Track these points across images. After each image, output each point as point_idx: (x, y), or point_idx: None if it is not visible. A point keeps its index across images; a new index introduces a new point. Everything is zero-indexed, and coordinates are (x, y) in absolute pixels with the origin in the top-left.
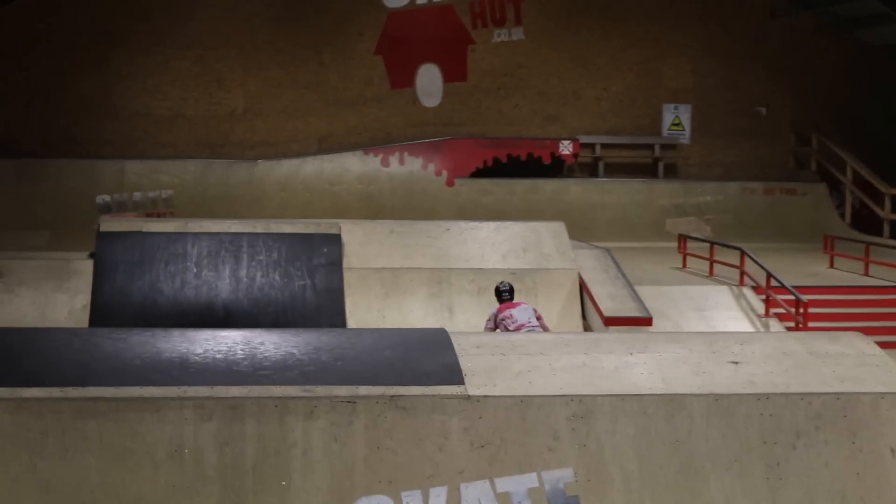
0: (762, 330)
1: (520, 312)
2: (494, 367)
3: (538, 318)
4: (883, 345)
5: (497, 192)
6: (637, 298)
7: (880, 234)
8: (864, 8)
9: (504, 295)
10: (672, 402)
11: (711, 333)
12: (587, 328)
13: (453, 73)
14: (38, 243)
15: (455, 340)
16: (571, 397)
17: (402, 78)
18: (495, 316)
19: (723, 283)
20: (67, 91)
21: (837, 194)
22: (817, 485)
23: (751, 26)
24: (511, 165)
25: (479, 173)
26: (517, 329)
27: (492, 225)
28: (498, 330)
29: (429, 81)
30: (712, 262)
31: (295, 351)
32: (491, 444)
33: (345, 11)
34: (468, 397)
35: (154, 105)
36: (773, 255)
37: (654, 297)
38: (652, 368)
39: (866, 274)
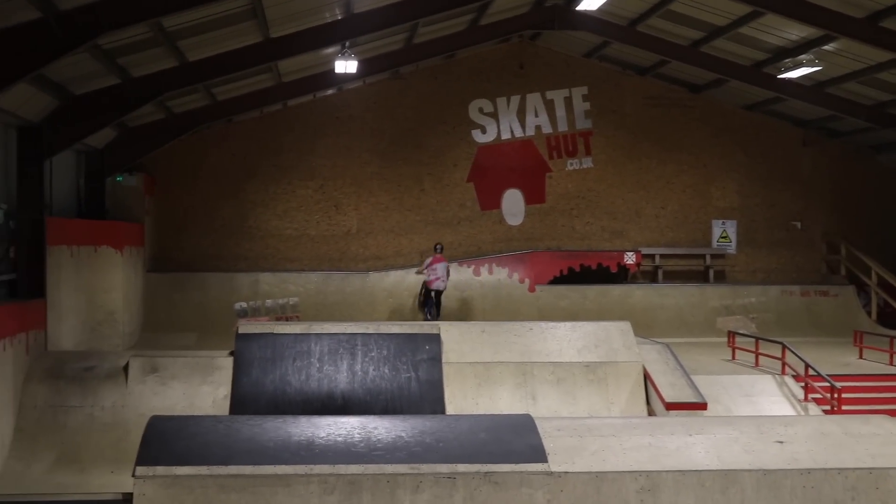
0: (802, 413)
1: (440, 268)
2: (573, 447)
3: (448, 273)
4: None
5: (572, 297)
6: (693, 386)
7: None
8: (882, 137)
9: (437, 249)
10: (726, 477)
11: (759, 417)
12: (651, 412)
13: (534, 196)
14: (187, 343)
15: (539, 424)
16: (640, 473)
17: (490, 201)
18: (429, 262)
19: (767, 372)
20: (212, 216)
21: (864, 295)
22: None
23: (786, 154)
24: (583, 274)
25: (557, 280)
26: (434, 279)
27: (568, 325)
28: (426, 271)
29: (513, 204)
30: (757, 355)
31: (403, 434)
32: None
33: (441, 146)
34: (551, 473)
35: (283, 227)
36: (810, 348)
37: (708, 385)
38: (708, 447)
39: (891, 363)
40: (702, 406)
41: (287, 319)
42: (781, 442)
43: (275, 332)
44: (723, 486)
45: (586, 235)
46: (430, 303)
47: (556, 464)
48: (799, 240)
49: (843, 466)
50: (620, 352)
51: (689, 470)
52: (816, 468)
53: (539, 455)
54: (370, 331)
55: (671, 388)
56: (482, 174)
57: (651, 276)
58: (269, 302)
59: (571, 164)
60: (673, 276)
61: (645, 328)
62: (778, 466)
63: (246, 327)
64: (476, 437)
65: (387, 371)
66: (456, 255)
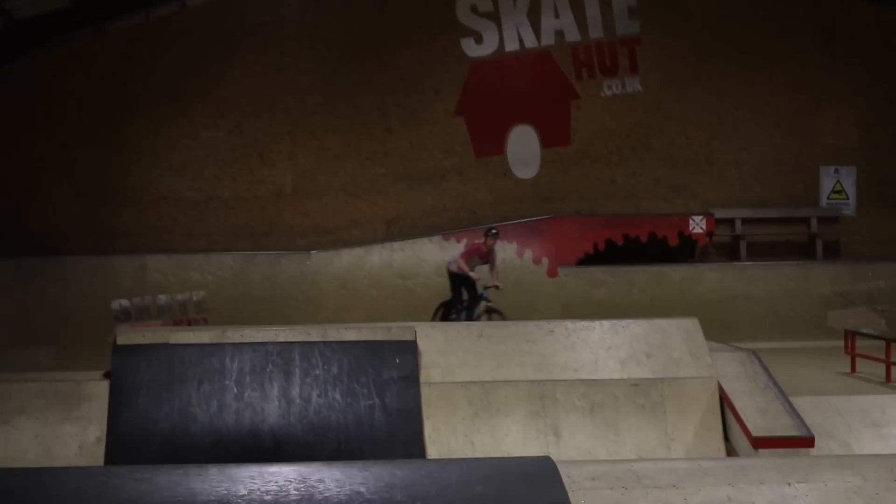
0: None
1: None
2: None
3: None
4: None
5: (612, 283)
6: (794, 413)
7: None
8: None
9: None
10: None
11: (892, 456)
12: (731, 452)
13: (553, 135)
14: (41, 361)
15: (564, 472)
16: None
17: (490, 144)
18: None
19: None
20: (74, 172)
21: None
22: None
23: None
24: (629, 249)
25: (589, 260)
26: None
27: (606, 324)
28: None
29: (523, 147)
30: (889, 365)
31: (363, 489)
32: None
33: (416, 64)
34: None
35: (182, 187)
36: None
37: (816, 411)
38: (815, 502)
39: None
40: (807, 442)
41: (190, 323)
42: None
43: (171, 342)
44: None
45: (633, 192)
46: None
47: None
48: None
49: None
50: (685, 363)
51: None
52: None
53: None
54: (313, 338)
55: (761, 415)
56: (477, 104)
57: (730, 252)
58: (162, 298)
59: (610, 88)
60: (762, 251)
61: (721, 328)
62: None
63: (128, 336)
64: (470, 493)
65: (338, 397)
66: (439, 223)
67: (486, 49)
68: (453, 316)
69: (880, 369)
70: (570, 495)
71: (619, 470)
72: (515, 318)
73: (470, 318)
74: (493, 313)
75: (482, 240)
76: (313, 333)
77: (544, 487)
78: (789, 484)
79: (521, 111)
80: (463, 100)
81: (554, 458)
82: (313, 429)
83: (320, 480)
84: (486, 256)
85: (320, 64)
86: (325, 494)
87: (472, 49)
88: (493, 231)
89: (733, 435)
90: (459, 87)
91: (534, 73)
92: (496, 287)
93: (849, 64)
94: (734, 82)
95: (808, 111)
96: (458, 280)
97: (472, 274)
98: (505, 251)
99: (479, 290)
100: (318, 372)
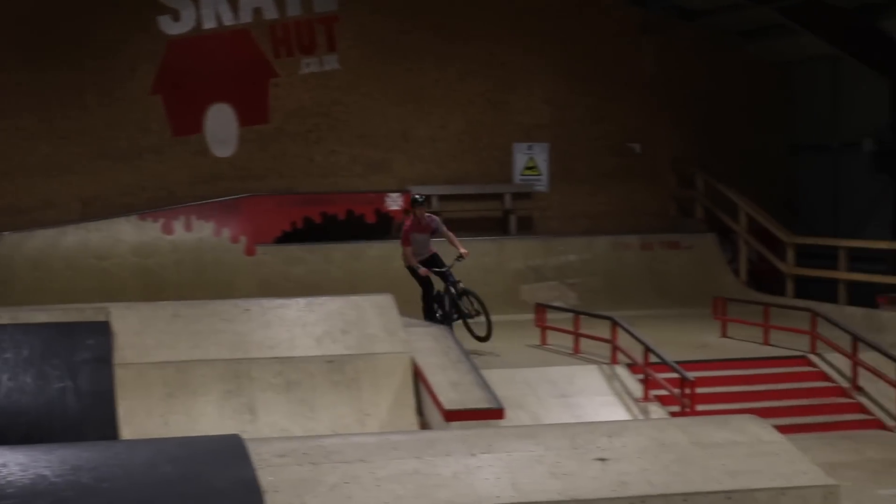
0: (640, 417)
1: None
2: (303, 481)
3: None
4: (785, 429)
5: (310, 261)
6: (485, 386)
7: (783, 293)
8: (757, 19)
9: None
10: None
11: (573, 425)
12: (424, 425)
13: (251, 114)
14: None
15: (253, 449)
16: None
17: (188, 122)
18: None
19: (591, 361)
20: None
21: (730, 246)
22: None
23: (619, 45)
24: (327, 226)
25: (287, 238)
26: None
27: (302, 302)
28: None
29: (221, 125)
30: (578, 336)
31: (47, 472)
32: None
33: (112, 41)
34: None
35: None
36: (652, 324)
37: (507, 384)
38: (499, 472)
39: (766, 343)
40: (497, 414)
41: None
42: (604, 459)
43: None
44: None
45: (331, 170)
46: (428, 301)
47: None
48: (638, 170)
49: (690, 491)
50: (380, 339)
51: None
52: (653, 495)
53: (252, 495)
54: (4, 321)
55: (453, 389)
56: (175, 83)
57: None
58: None
59: (308, 66)
60: (458, 227)
61: (417, 304)
62: (598, 495)
63: None
64: (158, 473)
65: (29, 380)
66: (136, 203)
67: (184, 27)
68: (438, 313)
69: (569, 341)
70: (259, 473)
71: (308, 446)
72: (212, 297)
73: (455, 304)
74: (468, 295)
75: (411, 216)
76: (4, 316)
77: (232, 465)
78: (473, 455)
79: (219, 89)
80: (160, 78)
81: (249, 436)
82: (3, 413)
83: (3, 465)
84: (429, 227)
85: (12, 41)
86: (9, 479)
87: (169, 27)
88: (417, 198)
89: (427, 409)
90: (156, 65)
91: (231, 51)
92: (460, 257)
93: (540, 42)
94: (431, 60)
95: (501, 88)
96: (414, 272)
97: (420, 269)
98: (202, 230)
99: (445, 269)
100: (8, 355)
